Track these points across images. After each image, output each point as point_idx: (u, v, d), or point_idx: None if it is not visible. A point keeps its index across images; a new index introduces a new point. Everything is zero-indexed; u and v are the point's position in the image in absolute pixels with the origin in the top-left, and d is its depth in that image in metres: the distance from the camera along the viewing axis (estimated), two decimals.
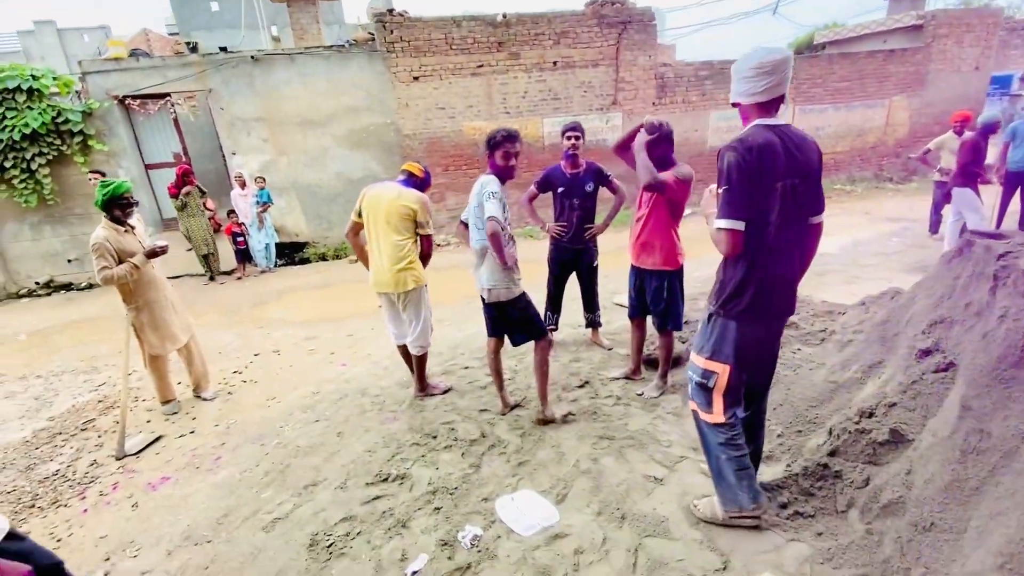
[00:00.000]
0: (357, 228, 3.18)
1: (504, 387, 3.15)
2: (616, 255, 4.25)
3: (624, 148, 3.07)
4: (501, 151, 2.66)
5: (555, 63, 8.69)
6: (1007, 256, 1.87)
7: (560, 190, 3.72)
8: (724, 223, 1.73)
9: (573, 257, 3.88)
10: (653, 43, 9.04)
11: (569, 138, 3.62)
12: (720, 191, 1.74)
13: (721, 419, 1.97)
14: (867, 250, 6.54)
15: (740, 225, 1.71)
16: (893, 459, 1.93)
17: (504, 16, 8.22)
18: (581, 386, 3.42)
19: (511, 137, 2.68)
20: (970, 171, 5.48)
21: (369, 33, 8.44)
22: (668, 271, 2.99)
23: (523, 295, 2.83)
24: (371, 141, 8.40)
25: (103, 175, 3.31)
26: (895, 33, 11.33)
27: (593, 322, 4.14)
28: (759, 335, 1.89)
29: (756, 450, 2.13)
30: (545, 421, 2.93)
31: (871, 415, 2.08)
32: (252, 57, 7.74)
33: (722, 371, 1.89)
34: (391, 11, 7.98)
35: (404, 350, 3.45)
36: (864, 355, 2.62)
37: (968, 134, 5.70)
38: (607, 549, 1.95)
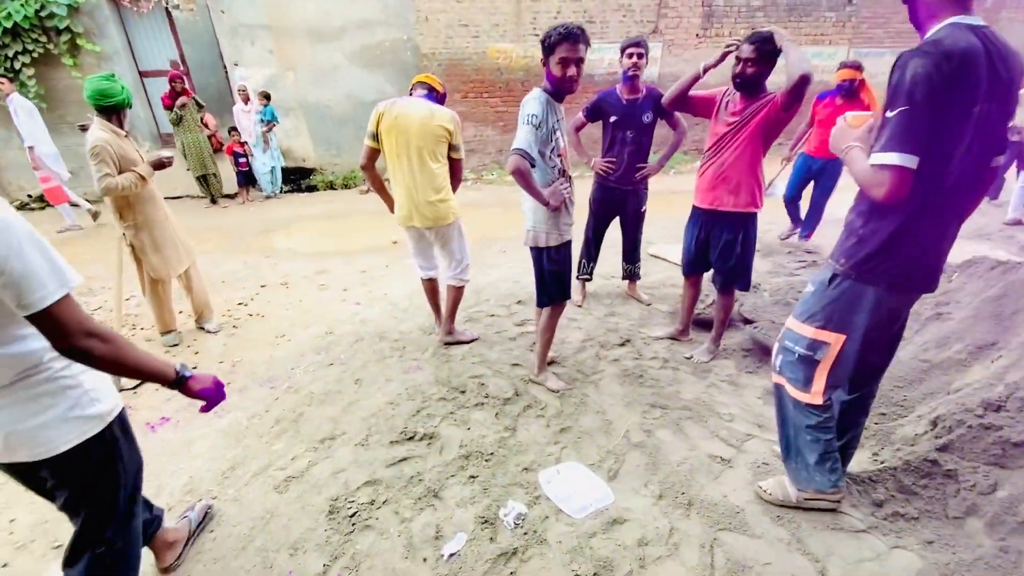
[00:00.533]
0: (375, 155, 2.68)
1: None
2: (656, 200, 3.79)
3: (683, 98, 2.61)
4: (558, 55, 2.01)
5: None
6: None
7: (613, 119, 3.21)
8: (892, 157, 1.30)
9: (620, 199, 3.44)
10: None
11: (631, 55, 3.07)
12: (894, 113, 1.29)
13: (819, 400, 1.65)
14: None
15: (914, 161, 1.29)
16: None
17: None
18: (622, 344, 3.10)
19: (571, 35, 1.97)
20: None
21: None
22: (748, 214, 2.57)
23: (565, 247, 2.38)
24: (386, 59, 7.66)
25: (85, 129, 2.81)
26: None
27: (632, 274, 3.76)
28: (897, 306, 1.52)
29: (853, 439, 1.81)
30: (533, 382, 2.66)
31: (999, 408, 1.75)
32: None
33: (835, 343, 1.55)
34: None
35: (431, 286, 3.10)
36: (970, 334, 2.26)
37: None
38: (676, 542, 1.68)
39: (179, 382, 1.23)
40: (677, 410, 2.41)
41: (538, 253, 2.42)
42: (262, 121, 6.99)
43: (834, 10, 8.83)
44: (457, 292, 3.00)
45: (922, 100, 1.25)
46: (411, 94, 2.74)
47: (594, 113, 3.28)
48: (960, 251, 5.06)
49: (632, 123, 3.19)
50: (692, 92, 2.62)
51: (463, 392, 2.58)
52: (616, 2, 7.98)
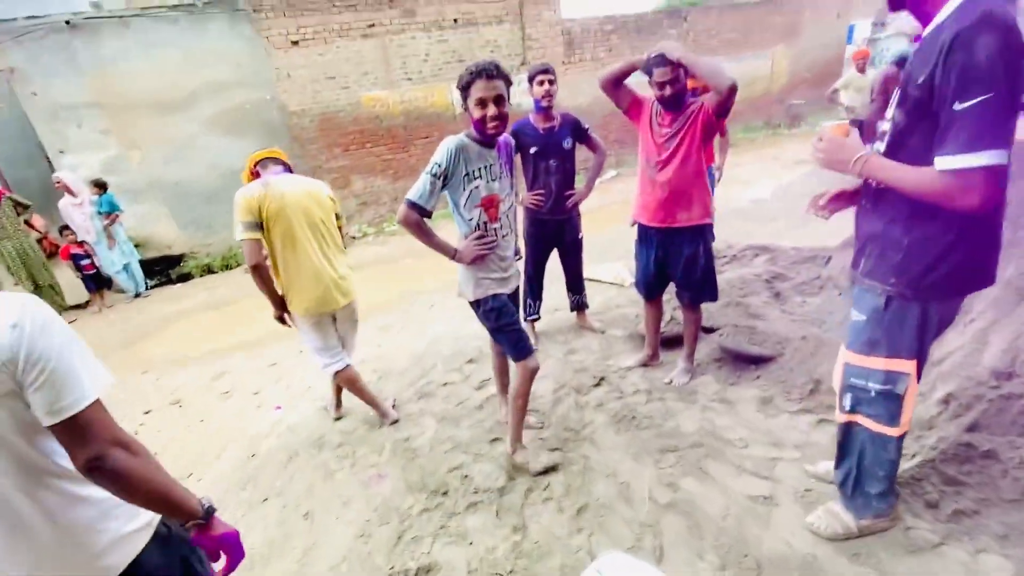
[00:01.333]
0: (260, 247, 2.29)
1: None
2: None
3: (617, 83, 2.48)
4: (474, 96, 1.80)
5: (456, 20, 7.79)
6: None
7: (533, 150, 3.03)
8: (982, 157, 1.08)
9: (555, 230, 3.24)
10: None
11: (541, 83, 2.92)
12: (972, 103, 1.08)
13: (906, 429, 1.48)
14: (797, 192, 6.66)
15: (1006, 156, 1.09)
16: None
17: None
18: (597, 384, 2.84)
19: (484, 72, 1.78)
20: (882, 105, 5.69)
21: None
22: (704, 226, 2.47)
23: (491, 301, 2.09)
24: (249, 122, 6.96)
25: None
26: None
27: (580, 304, 3.57)
28: (952, 315, 1.42)
29: None
30: (516, 468, 2.24)
31: (1011, 376, 1.73)
32: (67, 23, 5.91)
33: (912, 369, 1.38)
34: None
35: (353, 373, 2.66)
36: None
37: (890, 68, 5.90)
38: None
39: (206, 516, 1.02)
40: (688, 449, 2.18)
41: (471, 306, 2.19)
42: (100, 214, 5.88)
43: (674, 27, 9.78)
44: (352, 379, 2.71)
45: (1006, 83, 1.06)
46: (259, 174, 2.39)
47: (518, 148, 3.07)
48: (844, 222, 5.64)
49: (553, 152, 3.04)
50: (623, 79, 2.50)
51: (446, 494, 2.13)
52: (482, 38, 8.07)
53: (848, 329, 1.47)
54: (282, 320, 2.52)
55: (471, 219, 2.00)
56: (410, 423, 2.70)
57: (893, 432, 1.46)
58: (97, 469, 0.88)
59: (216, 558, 1.06)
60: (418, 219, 1.93)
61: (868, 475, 1.52)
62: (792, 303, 3.41)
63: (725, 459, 2.09)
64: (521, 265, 2.60)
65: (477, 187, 1.95)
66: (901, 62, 5.95)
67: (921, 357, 1.38)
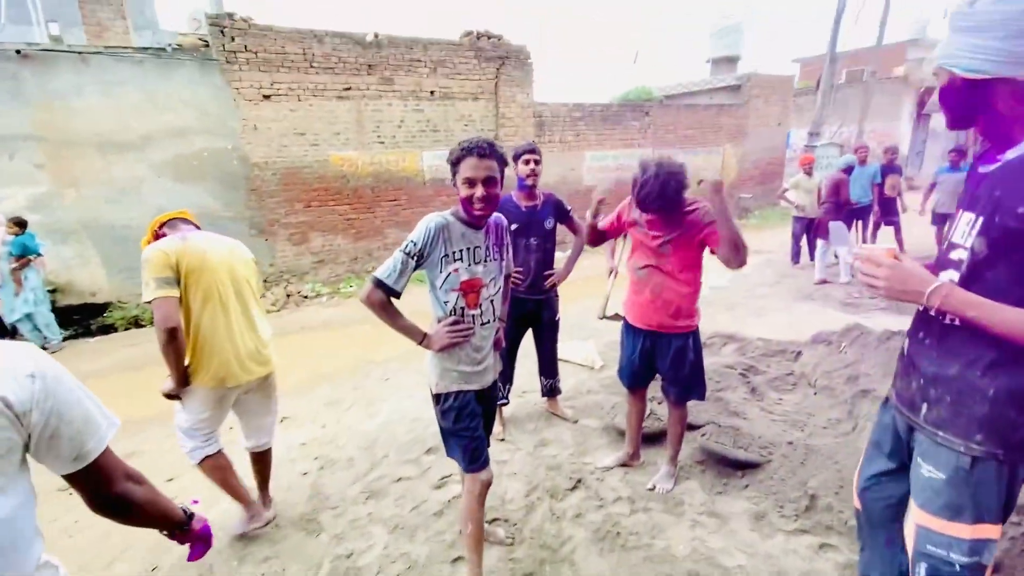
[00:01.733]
0: (178, 307, 1.99)
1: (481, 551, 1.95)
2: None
3: (598, 236, 2.52)
4: (463, 174, 1.68)
5: (433, 92, 7.97)
6: None
7: (514, 228, 2.89)
8: None
9: (533, 310, 3.06)
10: (530, 81, 8.90)
11: (527, 162, 2.86)
12: None
13: None
14: (753, 281, 6.89)
15: None
16: None
17: (376, 36, 7.29)
18: (573, 487, 2.55)
19: (475, 150, 1.66)
20: (838, 204, 6.13)
21: (201, 39, 6.77)
22: (694, 329, 2.35)
23: (455, 399, 1.84)
24: (206, 170, 6.62)
25: None
26: (720, 91, 13.10)
27: (553, 388, 3.34)
28: None
29: None
30: None
31: None
32: (17, 52, 5.55)
33: (998, 534, 1.17)
34: (231, 15, 6.49)
35: (225, 460, 2.27)
36: (878, 417, 2.23)
37: (838, 174, 6.40)
38: None
39: (188, 519, 1.13)
40: None
41: (432, 398, 1.93)
42: (11, 255, 5.23)
43: (636, 119, 10.45)
44: (267, 456, 2.45)
45: None
46: (164, 234, 2.14)
47: None
48: (799, 312, 5.87)
49: (535, 230, 2.93)
50: (601, 225, 2.47)
51: None
52: (458, 112, 8.26)
53: (920, 485, 1.23)
54: (176, 396, 2.11)
55: (447, 302, 1.79)
56: (355, 533, 2.29)
57: None
58: (118, 505, 0.93)
59: (194, 548, 1.19)
60: (383, 299, 1.73)
61: None
62: (769, 399, 3.31)
63: None
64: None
65: (456, 270, 1.75)
66: (848, 169, 6.54)
67: (1007, 517, 1.20)
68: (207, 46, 6.54)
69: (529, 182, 2.87)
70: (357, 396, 3.94)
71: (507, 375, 3.17)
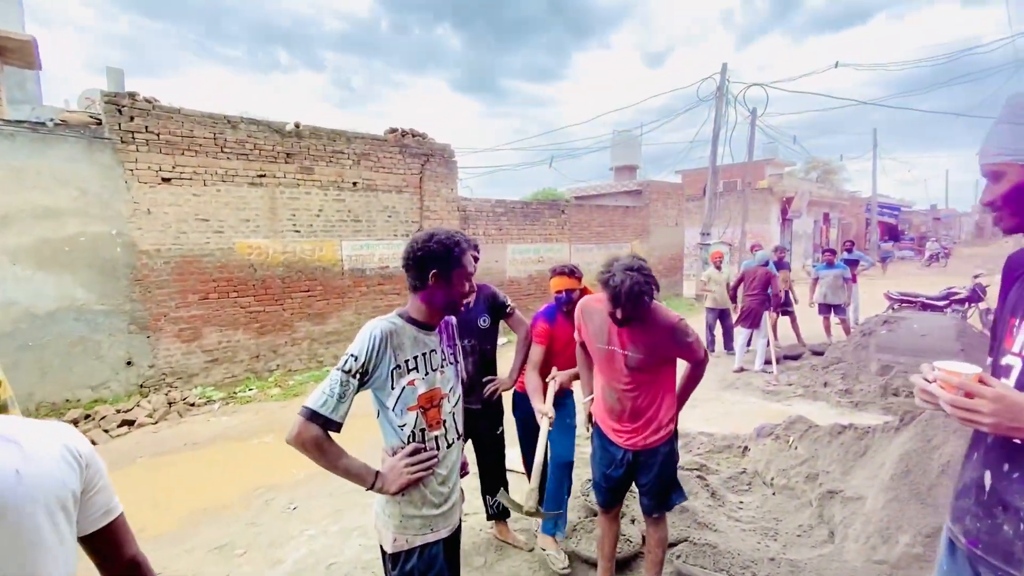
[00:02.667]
0: None
1: None
2: None
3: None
4: (465, 269, 1.48)
5: (355, 183, 7.81)
6: None
7: None
8: None
9: (470, 422, 2.64)
10: (454, 177, 9.11)
11: None
12: None
13: None
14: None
15: None
16: None
17: (297, 125, 7.11)
18: None
19: (472, 243, 1.63)
20: (764, 298, 6.65)
21: (93, 116, 6.14)
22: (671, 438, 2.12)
23: (410, 555, 1.44)
24: (79, 257, 5.68)
25: None
26: (623, 195, 14.40)
27: (500, 510, 2.88)
28: None
29: None
30: None
31: None
32: None
33: None
34: (133, 95, 6.01)
35: None
36: (902, 518, 2.13)
37: (762, 269, 6.97)
38: None
39: None
40: None
41: (383, 558, 1.50)
42: None
43: (554, 217, 11.00)
44: None
45: None
46: None
47: None
48: (722, 400, 5.98)
49: (468, 331, 2.60)
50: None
51: None
52: (381, 203, 8.11)
53: None
54: None
55: (403, 426, 1.45)
56: None
57: None
58: (132, 568, 0.93)
59: None
60: (318, 436, 1.33)
61: None
62: (730, 504, 3.11)
63: None
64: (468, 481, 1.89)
65: (413, 382, 1.44)
66: (765, 263, 7.21)
67: None
68: (100, 124, 5.91)
69: None
70: (254, 536, 3.16)
71: None
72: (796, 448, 3.24)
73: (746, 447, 3.74)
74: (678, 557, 2.45)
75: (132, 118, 5.88)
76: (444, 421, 1.51)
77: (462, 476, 1.67)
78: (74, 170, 5.62)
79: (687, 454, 3.88)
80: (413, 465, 1.40)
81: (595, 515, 2.78)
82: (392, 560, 1.44)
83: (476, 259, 2.59)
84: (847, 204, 27.40)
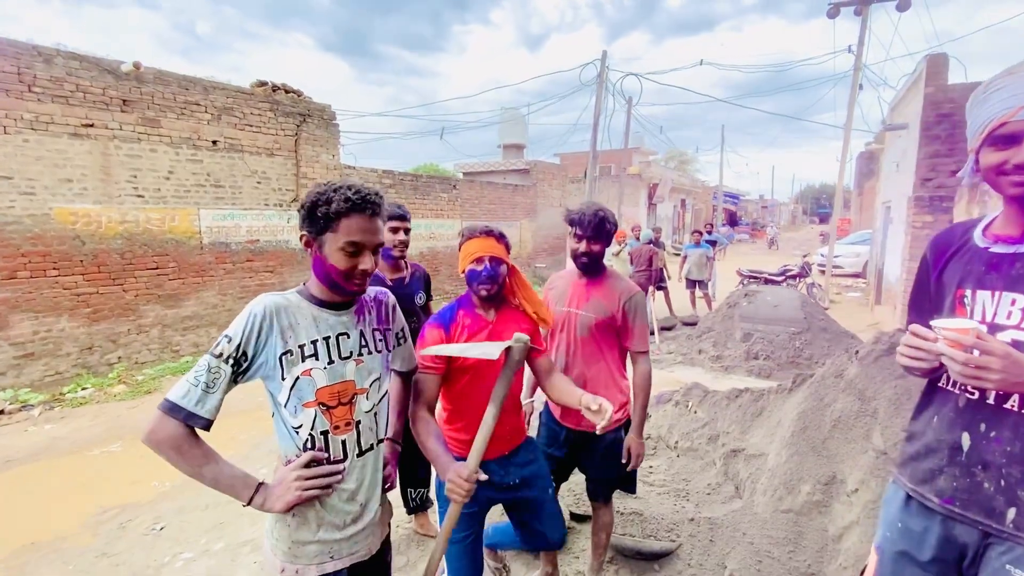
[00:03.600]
0: None
1: None
2: None
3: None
4: (342, 235, 1.13)
5: (215, 142, 6.69)
6: None
7: None
8: None
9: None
10: (335, 142, 8.29)
11: (395, 230, 2.36)
12: None
13: None
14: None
15: None
16: None
17: (137, 67, 5.81)
18: None
19: (367, 204, 1.15)
20: (650, 273, 7.29)
21: None
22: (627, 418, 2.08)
23: None
24: None
25: None
26: (512, 173, 14.47)
27: (423, 501, 2.69)
28: None
29: None
30: None
31: None
32: None
33: None
34: None
35: None
36: (805, 469, 2.36)
37: (648, 247, 7.44)
38: None
39: None
40: None
41: None
42: None
43: (445, 192, 10.65)
44: None
45: None
46: None
47: None
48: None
49: (404, 307, 2.36)
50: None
51: None
52: (248, 168, 7.06)
53: None
54: None
55: (299, 427, 1.16)
56: None
57: None
58: None
59: None
60: (176, 435, 1.06)
61: None
62: (640, 469, 3.26)
63: None
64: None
65: (308, 372, 1.16)
66: (650, 242, 7.82)
67: None
68: None
69: (396, 252, 2.38)
70: (109, 571, 2.55)
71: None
72: (696, 413, 3.50)
73: (647, 415, 3.96)
74: (622, 534, 2.48)
75: None
76: (358, 423, 1.22)
77: (387, 489, 1.39)
78: None
79: None
80: (307, 481, 1.13)
81: None
82: None
83: (398, 229, 2.35)
84: (700, 192, 30.91)
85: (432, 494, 2.69)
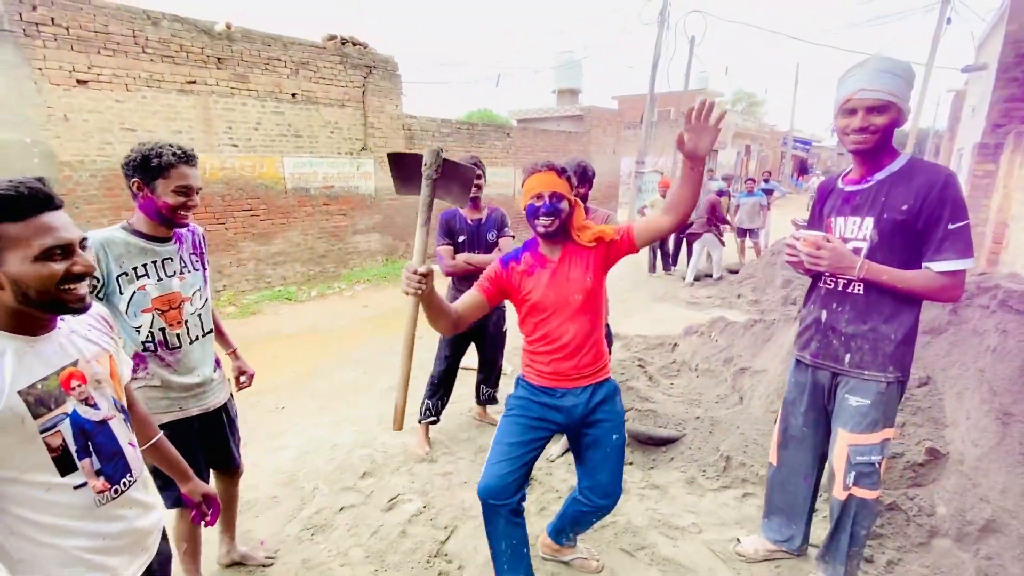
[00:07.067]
0: None
1: None
2: None
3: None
4: (174, 181, 1.56)
5: (294, 95, 7.39)
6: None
7: (462, 239, 2.95)
8: (968, 262, 1.47)
9: (478, 322, 3.06)
10: (399, 92, 8.80)
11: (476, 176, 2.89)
12: (960, 225, 1.48)
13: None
14: (616, 288, 7.76)
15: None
16: (938, 476, 2.03)
17: (228, 27, 6.51)
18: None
19: (188, 159, 1.61)
20: (713, 221, 7.55)
21: None
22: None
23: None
24: None
25: None
26: (565, 119, 14.49)
27: (491, 398, 3.38)
28: None
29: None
30: None
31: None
32: None
33: (894, 436, 1.66)
34: None
35: None
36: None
37: (713, 196, 7.69)
38: None
39: None
40: (656, 545, 2.12)
41: None
42: None
43: (499, 140, 11.01)
44: None
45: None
46: None
47: (448, 233, 2.94)
48: (660, 311, 6.81)
49: (480, 243, 2.98)
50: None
51: None
52: (323, 118, 7.77)
53: (849, 414, 1.65)
54: None
55: (139, 328, 1.58)
56: (313, 573, 2.05)
57: (879, 493, 1.69)
58: None
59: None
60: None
61: (859, 540, 1.69)
62: (663, 385, 3.81)
63: (696, 546, 2.09)
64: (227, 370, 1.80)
65: (143, 287, 1.58)
66: (720, 192, 8.09)
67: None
68: None
69: (473, 195, 2.90)
70: (249, 432, 3.44)
71: (448, 387, 3.14)
72: (717, 340, 3.97)
73: (676, 344, 4.47)
74: (628, 421, 3.08)
75: (35, 7, 5.15)
76: (186, 321, 1.66)
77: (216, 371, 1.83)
78: None
79: (627, 351, 4.56)
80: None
81: None
82: None
83: (478, 176, 2.87)
84: (767, 137, 29.14)
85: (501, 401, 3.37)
